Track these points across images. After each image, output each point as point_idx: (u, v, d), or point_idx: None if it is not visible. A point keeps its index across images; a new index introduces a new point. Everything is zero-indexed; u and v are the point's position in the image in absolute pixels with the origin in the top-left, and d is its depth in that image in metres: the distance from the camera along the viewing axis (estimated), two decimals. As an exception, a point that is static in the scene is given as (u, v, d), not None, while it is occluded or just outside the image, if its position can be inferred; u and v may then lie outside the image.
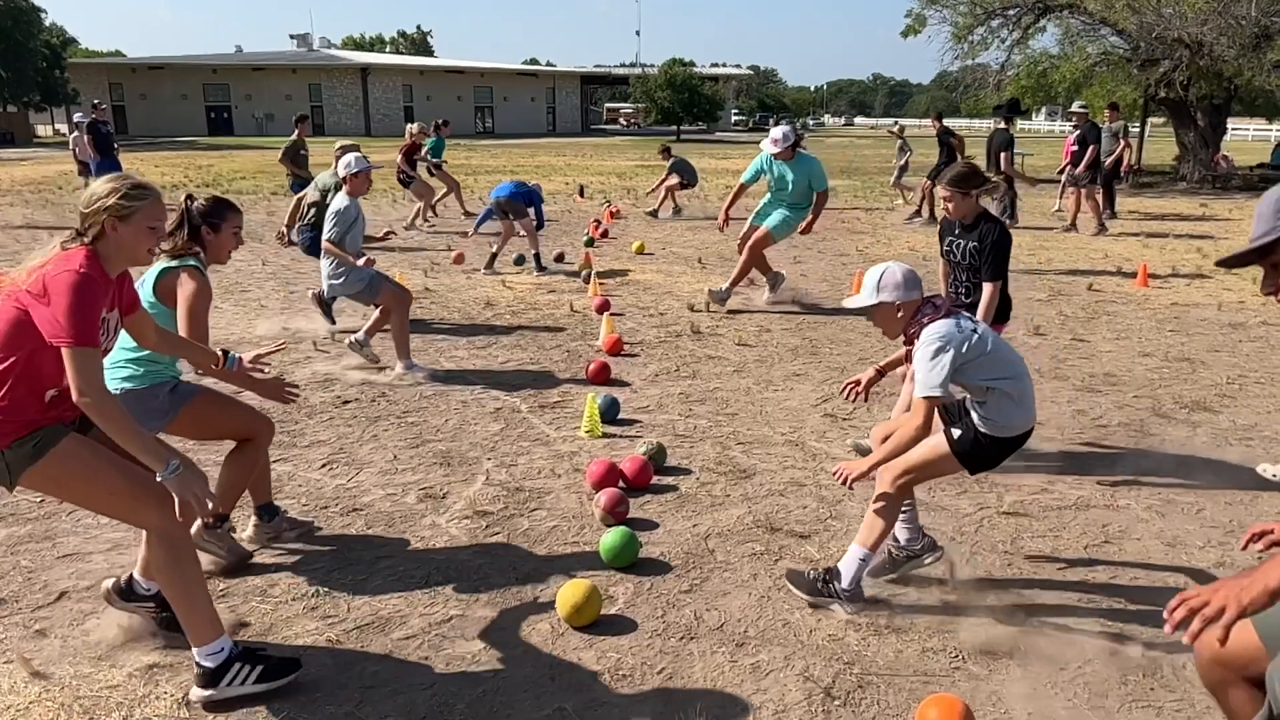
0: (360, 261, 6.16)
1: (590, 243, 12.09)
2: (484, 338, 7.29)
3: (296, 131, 12.75)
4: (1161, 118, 26.61)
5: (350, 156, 6.36)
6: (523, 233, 10.09)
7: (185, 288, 3.41)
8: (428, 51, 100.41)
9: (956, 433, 3.19)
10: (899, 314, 3.12)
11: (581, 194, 19.04)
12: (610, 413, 5.32)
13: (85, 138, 16.04)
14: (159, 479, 2.51)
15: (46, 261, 2.52)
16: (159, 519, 2.59)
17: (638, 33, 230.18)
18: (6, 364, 2.49)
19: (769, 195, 8.17)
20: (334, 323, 7.26)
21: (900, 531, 3.45)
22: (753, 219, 8.27)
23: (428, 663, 3.00)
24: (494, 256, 10.18)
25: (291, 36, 70.40)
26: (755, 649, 3.08)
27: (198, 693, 2.73)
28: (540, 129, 66.94)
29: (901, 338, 3.20)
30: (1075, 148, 13.26)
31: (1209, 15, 18.08)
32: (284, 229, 8.76)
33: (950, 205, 4.58)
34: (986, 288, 4.55)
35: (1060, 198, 15.91)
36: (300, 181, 12.68)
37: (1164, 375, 6.29)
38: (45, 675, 2.90)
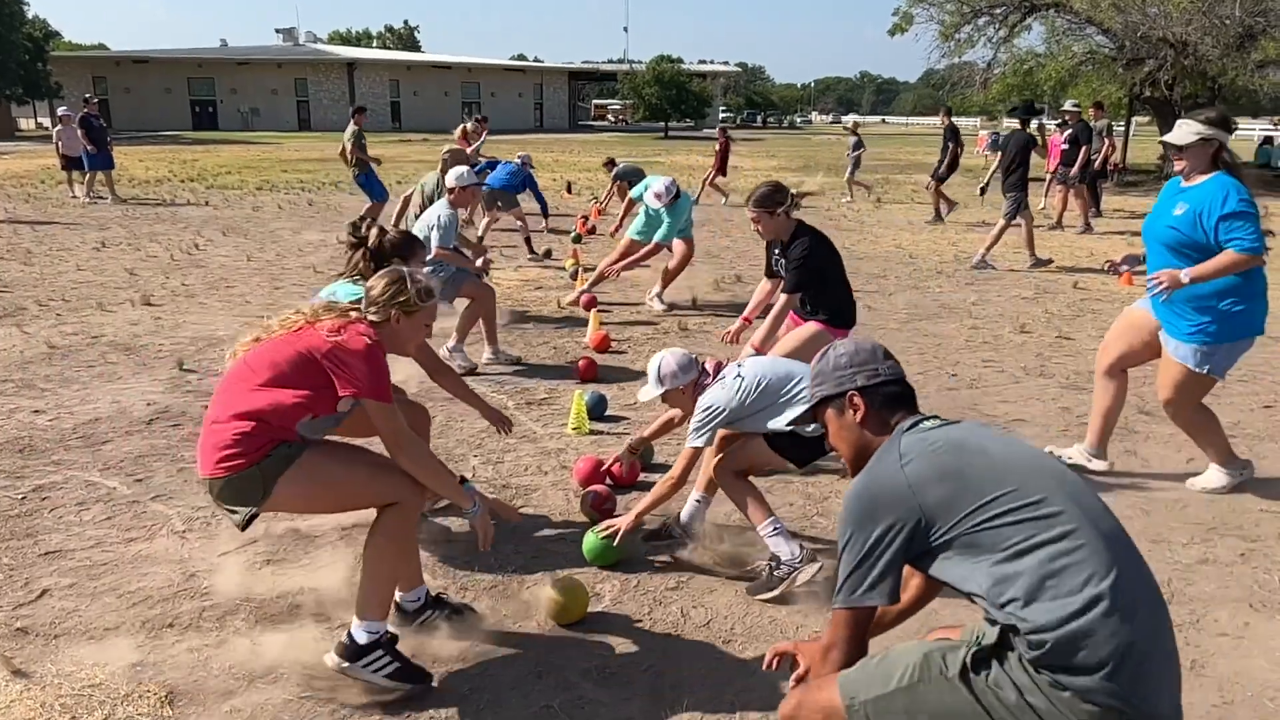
0: (479, 261, 6.49)
1: (578, 239, 12.07)
2: (471, 334, 7.25)
3: (353, 122, 12.80)
4: (1146, 117, 26.75)
5: (463, 169, 6.60)
6: (517, 222, 10.24)
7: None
8: (415, 47, 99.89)
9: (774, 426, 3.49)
10: (684, 393, 3.66)
11: (569, 190, 19.00)
12: (598, 410, 5.31)
13: (78, 131, 15.97)
14: (466, 513, 2.91)
15: (341, 326, 2.73)
16: (409, 491, 2.77)
17: (625, 29, 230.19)
18: (299, 391, 2.67)
19: (645, 220, 8.37)
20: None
21: (685, 513, 3.73)
22: (632, 232, 8.45)
23: (415, 660, 2.99)
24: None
25: (277, 31, 69.81)
26: (742, 645, 3.08)
27: (334, 659, 2.75)
28: (528, 125, 66.73)
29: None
30: (1066, 146, 13.30)
31: (1193, 15, 18.20)
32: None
33: (759, 227, 4.63)
34: (780, 298, 4.64)
35: (1045, 196, 15.99)
36: (365, 174, 12.62)
37: (1148, 373, 6.27)
38: (26, 674, 2.87)
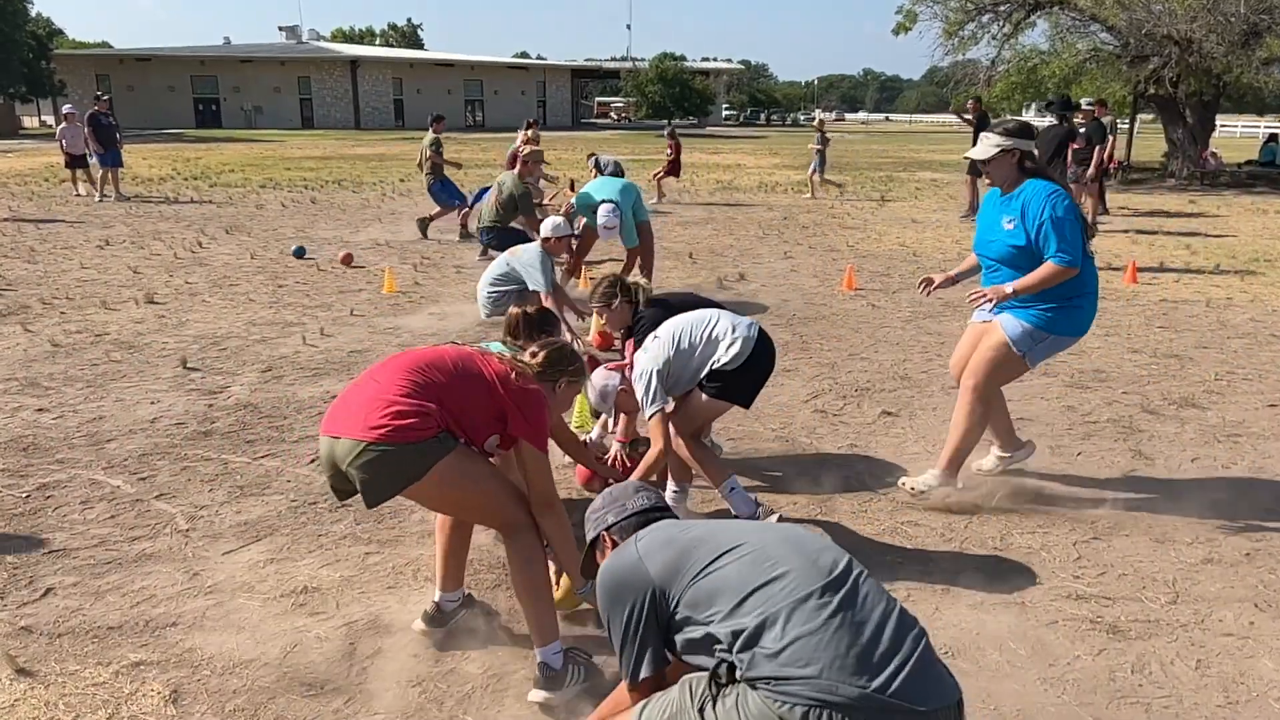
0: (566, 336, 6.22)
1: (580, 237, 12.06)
2: (473, 332, 7.26)
3: (432, 130, 12.90)
4: (1150, 114, 26.68)
5: (559, 220, 6.76)
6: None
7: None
8: (418, 44, 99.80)
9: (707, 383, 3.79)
10: (627, 392, 3.96)
11: (572, 188, 18.99)
12: (600, 408, 5.31)
13: (86, 130, 15.95)
14: (579, 592, 3.04)
15: (519, 372, 2.82)
16: (526, 515, 2.83)
17: (628, 26, 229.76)
18: (464, 402, 2.72)
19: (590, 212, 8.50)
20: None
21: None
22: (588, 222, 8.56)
23: (416, 659, 2.99)
24: (486, 248, 10.15)
25: (280, 28, 69.75)
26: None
27: (542, 694, 2.74)
28: (531, 123, 66.62)
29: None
30: (1078, 145, 13.21)
31: (1198, 12, 18.14)
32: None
33: (603, 320, 4.58)
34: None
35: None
36: (440, 182, 12.63)
37: (1153, 372, 6.31)
38: (30, 672, 2.88)
